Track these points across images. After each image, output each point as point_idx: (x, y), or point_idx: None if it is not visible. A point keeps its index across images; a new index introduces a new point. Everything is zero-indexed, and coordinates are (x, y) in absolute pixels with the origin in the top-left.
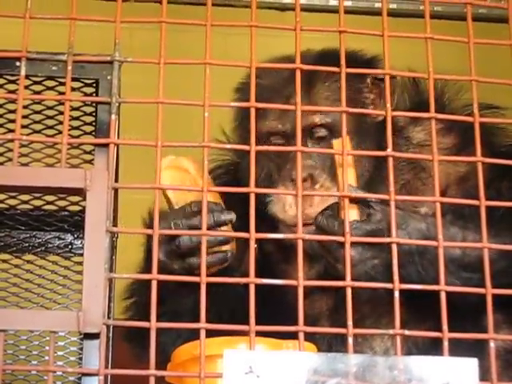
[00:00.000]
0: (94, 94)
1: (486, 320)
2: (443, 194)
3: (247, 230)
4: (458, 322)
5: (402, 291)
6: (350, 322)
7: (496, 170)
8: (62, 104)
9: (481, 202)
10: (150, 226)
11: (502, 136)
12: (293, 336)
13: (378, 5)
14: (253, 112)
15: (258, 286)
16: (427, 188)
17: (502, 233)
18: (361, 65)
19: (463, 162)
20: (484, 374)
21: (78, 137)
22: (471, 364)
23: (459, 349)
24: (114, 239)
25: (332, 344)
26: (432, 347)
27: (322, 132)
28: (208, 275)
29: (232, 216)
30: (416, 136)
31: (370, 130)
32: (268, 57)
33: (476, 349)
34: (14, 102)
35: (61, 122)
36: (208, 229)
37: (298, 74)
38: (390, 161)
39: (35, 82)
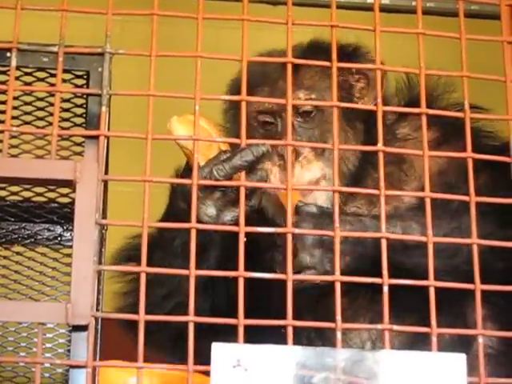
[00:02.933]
0: (85, 86)
1: (471, 315)
2: (422, 186)
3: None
4: (442, 318)
5: (380, 288)
6: (338, 317)
7: (477, 165)
8: (53, 95)
9: (471, 198)
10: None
11: (490, 138)
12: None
13: (370, 0)
14: (243, 106)
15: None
16: (409, 179)
17: (455, 219)
18: (346, 56)
19: (442, 157)
20: (469, 369)
21: (68, 128)
22: (459, 359)
23: (443, 344)
24: (103, 231)
25: (310, 338)
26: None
27: (308, 107)
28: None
29: (267, 146)
30: (401, 131)
31: (358, 117)
32: (259, 51)
33: (459, 344)
34: (4, 92)
35: (51, 114)
36: (249, 165)
37: (290, 68)
38: (381, 156)
39: (26, 73)
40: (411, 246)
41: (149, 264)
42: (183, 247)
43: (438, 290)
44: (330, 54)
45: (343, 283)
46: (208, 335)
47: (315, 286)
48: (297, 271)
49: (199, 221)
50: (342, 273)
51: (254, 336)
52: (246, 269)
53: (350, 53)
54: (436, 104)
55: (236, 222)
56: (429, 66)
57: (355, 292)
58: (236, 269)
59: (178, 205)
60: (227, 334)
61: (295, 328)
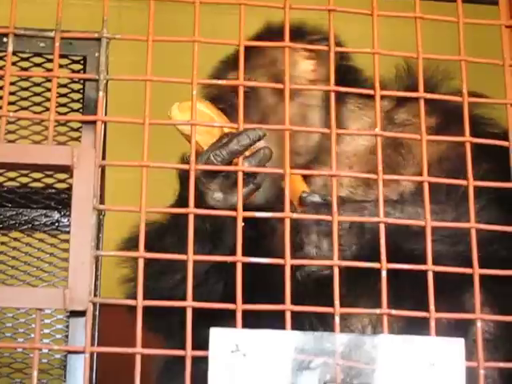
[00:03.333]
0: (82, 71)
1: (468, 301)
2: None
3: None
4: (440, 305)
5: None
6: (336, 301)
7: (476, 151)
8: (50, 81)
9: (469, 182)
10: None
11: (490, 126)
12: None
13: None
14: (241, 90)
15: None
16: (407, 164)
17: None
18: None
19: (443, 142)
20: (466, 355)
21: (65, 114)
22: (458, 344)
23: (440, 331)
24: (101, 217)
25: (313, 326)
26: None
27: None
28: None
29: (263, 130)
30: (399, 116)
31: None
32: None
33: (456, 330)
34: (0, 78)
35: (48, 99)
36: (246, 149)
37: (287, 52)
38: (379, 140)
39: (22, 59)
40: (418, 233)
41: (161, 250)
42: (196, 233)
43: (436, 277)
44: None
45: (345, 272)
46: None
47: (320, 278)
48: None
49: (208, 206)
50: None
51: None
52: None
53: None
54: (436, 90)
55: (245, 203)
56: (427, 52)
57: (356, 282)
58: (244, 252)
59: (184, 191)
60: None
61: (297, 315)
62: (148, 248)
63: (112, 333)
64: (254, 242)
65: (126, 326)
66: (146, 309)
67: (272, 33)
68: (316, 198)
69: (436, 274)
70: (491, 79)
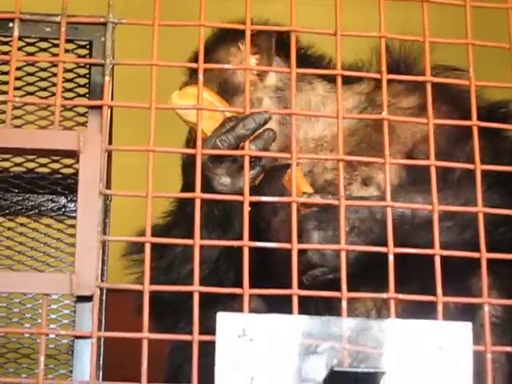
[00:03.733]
0: (88, 56)
1: (475, 286)
2: (410, 153)
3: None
4: (447, 290)
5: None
6: (344, 286)
7: (462, 130)
8: (56, 66)
9: (476, 166)
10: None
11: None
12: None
13: None
14: (247, 74)
15: None
16: (391, 144)
17: (461, 194)
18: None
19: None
20: (473, 339)
21: (71, 99)
22: (465, 328)
23: (446, 316)
24: (108, 202)
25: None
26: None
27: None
28: None
29: (269, 114)
30: (380, 98)
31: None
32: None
33: (463, 315)
34: (6, 63)
35: (54, 84)
36: (252, 133)
37: (293, 38)
38: (385, 124)
39: (28, 44)
40: (421, 224)
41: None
42: (205, 219)
43: (442, 265)
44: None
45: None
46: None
47: (326, 282)
48: (304, 269)
49: (215, 191)
50: (352, 263)
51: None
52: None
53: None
54: (415, 68)
55: (252, 187)
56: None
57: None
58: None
59: (189, 178)
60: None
61: (303, 305)
62: (157, 246)
63: (119, 320)
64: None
65: (133, 315)
66: (155, 307)
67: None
68: (317, 199)
69: (443, 260)
70: (497, 63)
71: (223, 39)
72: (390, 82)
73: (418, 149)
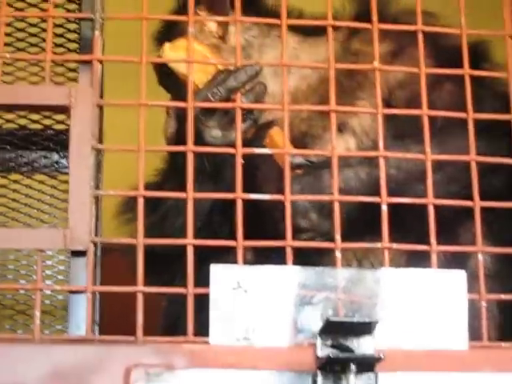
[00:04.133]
0: (78, 11)
1: (464, 235)
2: (388, 100)
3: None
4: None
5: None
6: (337, 236)
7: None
8: (45, 21)
9: (468, 115)
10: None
11: (450, 39)
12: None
13: None
14: (238, 27)
15: None
16: (364, 90)
17: (445, 144)
18: None
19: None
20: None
21: (61, 54)
22: (459, 276)
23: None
24: (100, 157)
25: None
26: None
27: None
28: None
29: (259, 66)
30: (354, 46)
31: None
32: None
33: (454, 265)
34: None
35: (44, 40)
36: (243, 85)
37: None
38: (377, 74)
39: None
40: (407, 180)
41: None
42: (196, 172)
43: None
44: None
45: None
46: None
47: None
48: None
49: (207, 144)
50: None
51: None
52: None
53: None
54: (387, 11)
55: (244, 140)
56: None
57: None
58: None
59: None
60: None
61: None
62: (149, 202)
63: (115, 281)
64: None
65: (128, 276)
66: (149, 265)
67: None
68: (300, 160)
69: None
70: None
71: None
72: (361, 30)
73: (394, 95)
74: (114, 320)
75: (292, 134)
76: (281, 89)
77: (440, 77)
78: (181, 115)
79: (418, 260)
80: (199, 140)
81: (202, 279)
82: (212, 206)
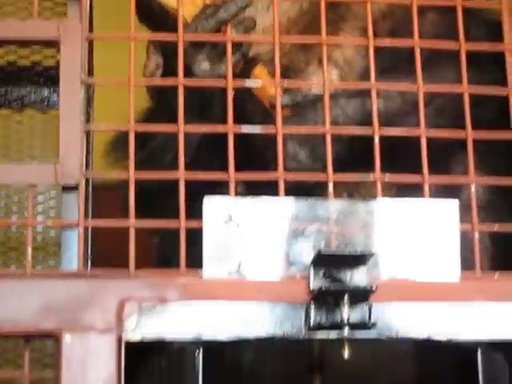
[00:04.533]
0: None
1: (455, 169)
2: (361, 26)
3: None
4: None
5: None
6: (329, 168)
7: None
8: None
9: (460, 46)
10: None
11: None
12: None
13: None
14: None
15: None
16: (348, 20)
17: (432, 74)
18: None
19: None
20: None
21: None
22: (452, 205)
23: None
24: (90, 92)
25: None
26: None
27: None
28: None
29: None
30: None
31: None
32: None
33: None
34: None
35: None
36: (233, 17)
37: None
38: (368, 6)
39: None
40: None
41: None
42: (184, 106)
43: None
44: None
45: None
46: None
47: None
48: None
49: (195, 77)
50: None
51: None
52: None
53: None
54: None
55: (233, 74)
56: None
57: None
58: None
59: (170, 66)
60: None
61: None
62: (137, 140)
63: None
64: None
65: (121, 214)
66: (142, 204)
67: None
68: (286, 100)
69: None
70: None
71: None
72: None
73: (377, 26)
74: (106, 256)
75: (274, 68)
76: (266, 23)
77: (422, 7)
78: (168, 49)
79: (408, 195)
80: (188, 74)
81: (192, 218)
82: (200, 141)
